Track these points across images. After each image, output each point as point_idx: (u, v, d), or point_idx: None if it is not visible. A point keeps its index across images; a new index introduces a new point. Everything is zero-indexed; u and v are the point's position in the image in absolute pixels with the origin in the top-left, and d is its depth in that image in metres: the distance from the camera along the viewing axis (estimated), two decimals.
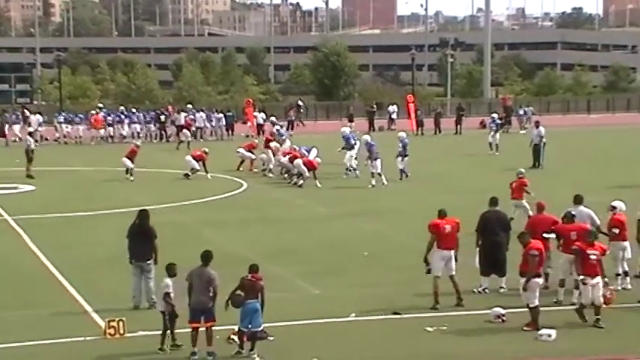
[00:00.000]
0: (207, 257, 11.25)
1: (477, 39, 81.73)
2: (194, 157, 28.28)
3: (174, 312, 11.21)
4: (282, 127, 33.83)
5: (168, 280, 11.38)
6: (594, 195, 17.12)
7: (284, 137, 30.45)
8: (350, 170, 27.40)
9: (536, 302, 11.90)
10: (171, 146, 39.64)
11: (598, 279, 12.01)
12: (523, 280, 11.93)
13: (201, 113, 43.51)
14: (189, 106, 45.94)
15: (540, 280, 12.12)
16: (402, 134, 28.43)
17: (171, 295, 11.24)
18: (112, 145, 41.30)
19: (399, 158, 27.14)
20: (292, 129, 45.62)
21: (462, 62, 79.75)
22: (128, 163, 27.49)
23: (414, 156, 29.34)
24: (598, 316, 11.92)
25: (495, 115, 37.21)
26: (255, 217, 21.19)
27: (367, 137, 27.56)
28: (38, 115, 43.99)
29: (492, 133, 35.24)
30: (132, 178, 27.22)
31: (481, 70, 73.13)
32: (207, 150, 28.88)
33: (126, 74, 77.28)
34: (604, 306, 12.09)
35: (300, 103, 52.59)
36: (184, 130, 39.08)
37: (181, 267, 11.59)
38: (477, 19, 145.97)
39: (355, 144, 27.89)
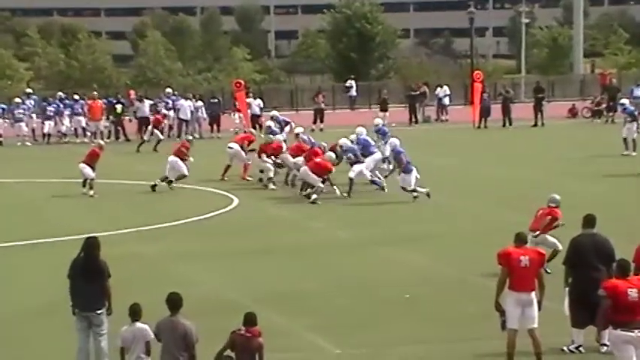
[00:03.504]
0: (174, 303, 11.33)
1: None
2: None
3: None
4: (283, 124, 33.48)
5: (143, 325, 11.56)
6: None
7: (277, 136, 30.38)
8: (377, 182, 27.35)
9: None
10: (131, 147, 39.88)
11: None
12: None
13: (189, 102, 43.62)
14: (169, 90, 46.13)
15: None
16: (377, 120, 28.88)
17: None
18: (45, 146, 41.62)
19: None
20: (322, 121, 45.68)
21: (543, 24, 79.77)
22: (88, 171, 27.63)
23: (474, 158, 29.35)
24: None
25: (626, 101, 36.67)
26: (250, 245, 21.24)
27: (396, 142, 27.55)
28: None
29: (627, 124, 34.23)
30: (92, 193, 27.41)
31: (570, 34, 73.06)
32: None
33: (65, 46, 77.75)
34: None
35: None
36: (152, 128, 39.34)
37: (147, 318, 11.68)
38: None
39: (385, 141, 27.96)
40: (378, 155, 27.84)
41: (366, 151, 27.68)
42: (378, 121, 29.93)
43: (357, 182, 27.33)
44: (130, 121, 43.63)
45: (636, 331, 11.72)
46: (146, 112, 42.33)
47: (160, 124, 39.87)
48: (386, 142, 28.99)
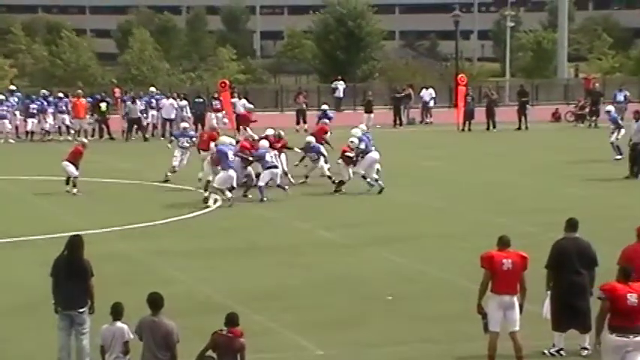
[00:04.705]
0: (155, 302, 11.30)
1: None
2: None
3: None
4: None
5: (123, 325, 11.55)
6: None
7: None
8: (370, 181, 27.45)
9: None
10: (115, 146, 39.79)
11: None
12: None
13: (172, 101, 43.60)
14: (153, 89, 46.12)
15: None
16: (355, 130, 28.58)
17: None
18: (29, 144, 41.48)
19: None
20: (305, 122, 45.65)
21: (528, 27, 79.98)
22: (71, 169, 27.58)
23: (458, 161, 29.33)
24: None
25: (612, 108, 36.41)
26: (233, 245, 21.23)
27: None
28: None
29: (615, 132, 33.75)
30: (75, 191, 27.38)
31: (554, 38, 73.25)
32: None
33: (50, 44, 77.49)
34: None
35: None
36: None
37: (129, 317, 11.66)
38: None
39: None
40: (375, 155, 27.87)
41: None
42: (363, 127, 29.76)
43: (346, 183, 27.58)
44: (124, 117, 43.40)
45: (632, 336, 11.63)
46: (138, 113, 42.45)
47: (139, 121, 41.63)
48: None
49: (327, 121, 33.55)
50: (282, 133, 29.10)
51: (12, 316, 15.94)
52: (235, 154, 26.42)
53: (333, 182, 27.76)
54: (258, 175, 26.89)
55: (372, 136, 28.91)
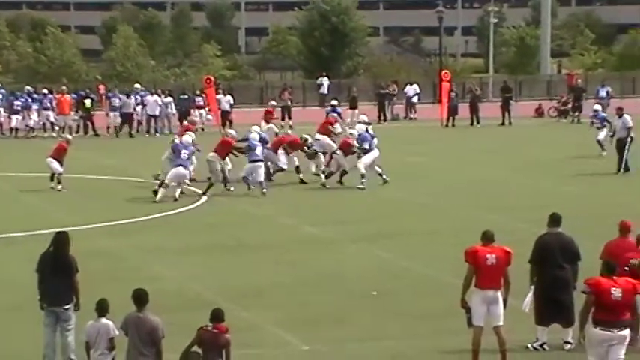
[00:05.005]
0: (140, 298, 11.30)
1: None
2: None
3: None
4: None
5: (108, 321, 11.56)
6: None
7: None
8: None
9: None
10: (100, 142, 39.72)
11: None
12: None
13: (156, 97, 43.48)
14: (137, 86, 46.04)
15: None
16: (360, 126, 28.77)
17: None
18: (13, 140, 41.36)
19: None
20: (290, 118, 45.61)
21: (511, 24, 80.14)
22: (55, 165, 27.54)
23: (443, 156, 29.28)
24: None
25: (599, 107, 36.04)
26: (218, 241, 21.24)
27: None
28: None
29: (600, 132, 33.46)
30: (60, 188, 27.35)
31: (537, 34, 73.46)
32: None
33: (34, 40, 77.20)
34: None
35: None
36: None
37: (114, 314, 11.67)
38: None
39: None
40: (376, 152, 27.90)
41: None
42: (361, 126, 29.25)
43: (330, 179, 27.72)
44: (110, 113, 43.20)
45: (615, 330, 11.72)
46: (131, 108, 42.43)
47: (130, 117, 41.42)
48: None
49: (335, 115, 33.46)
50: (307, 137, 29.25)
51: (1, 312, 15.91)
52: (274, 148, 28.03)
53: (324, 177, 27.87)
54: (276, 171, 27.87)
55: (373, 132, 28.91)
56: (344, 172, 28.10)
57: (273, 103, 39.62)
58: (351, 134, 28.41)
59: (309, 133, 29.74)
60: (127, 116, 42.42)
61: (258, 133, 27.84)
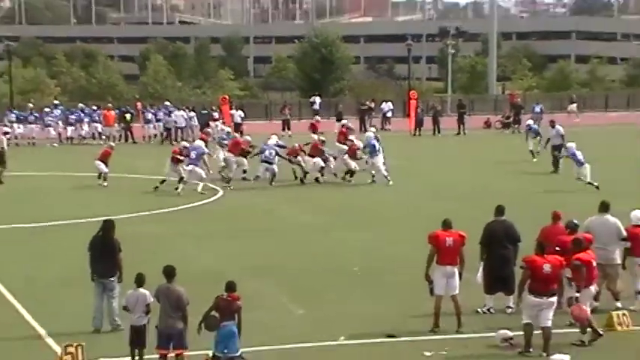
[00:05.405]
0: (169, 273, 11.31)
1: (481, 28, 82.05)
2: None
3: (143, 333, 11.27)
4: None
5: (145, 290, 11.57)
6: (621, 202, 16.90)
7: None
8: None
9: (549, 323, 12.03)
10: (137, 149, 39.62)
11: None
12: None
13: (182, 112, 43.16)
14: (168, 103, 45.84)
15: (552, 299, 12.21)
16: (369, 134, 28.71)
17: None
18: (69, 147, 41.25)
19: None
20: (289, 129, 45.45)
21: (465, 54, 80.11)
22: (102, 166, 27.57)
23: (412, 160, 29.19)
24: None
25: (531, 122, 35.93)
26: (233, 227, 21.23)
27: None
28: None
29: (531, 140, 33.10)
30: (105, 184, 27.39)
31: (486, 62, 73.50)
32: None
33: (86, 67, 77.04)
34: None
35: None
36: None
37: (149, 285, 11.65)
38: (481, 5, 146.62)
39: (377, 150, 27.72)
40: (380, 158, 27.63)
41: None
42: (370, 134, 28.83)
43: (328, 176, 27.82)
44: (145, 125, 42.87)
45: (545, 297, 11.95)
46: (172, 124, 41.63)
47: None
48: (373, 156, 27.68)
49: (349, 125, 32.70)
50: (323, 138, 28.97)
51: (57, 283, 15.94)
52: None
53: (317, 180, 27.66)
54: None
55: (380, 139, 28.71)
56: (352, 172, 27.92)
57: (318, 118, 39.24)
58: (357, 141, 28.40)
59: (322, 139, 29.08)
60: (168, 130, 41.94)
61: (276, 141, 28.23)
